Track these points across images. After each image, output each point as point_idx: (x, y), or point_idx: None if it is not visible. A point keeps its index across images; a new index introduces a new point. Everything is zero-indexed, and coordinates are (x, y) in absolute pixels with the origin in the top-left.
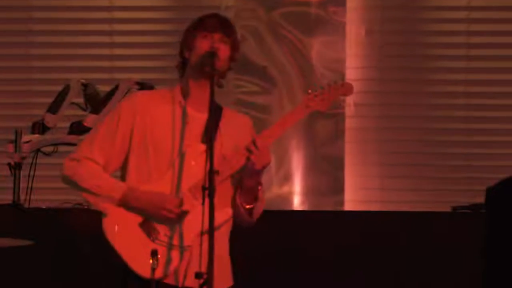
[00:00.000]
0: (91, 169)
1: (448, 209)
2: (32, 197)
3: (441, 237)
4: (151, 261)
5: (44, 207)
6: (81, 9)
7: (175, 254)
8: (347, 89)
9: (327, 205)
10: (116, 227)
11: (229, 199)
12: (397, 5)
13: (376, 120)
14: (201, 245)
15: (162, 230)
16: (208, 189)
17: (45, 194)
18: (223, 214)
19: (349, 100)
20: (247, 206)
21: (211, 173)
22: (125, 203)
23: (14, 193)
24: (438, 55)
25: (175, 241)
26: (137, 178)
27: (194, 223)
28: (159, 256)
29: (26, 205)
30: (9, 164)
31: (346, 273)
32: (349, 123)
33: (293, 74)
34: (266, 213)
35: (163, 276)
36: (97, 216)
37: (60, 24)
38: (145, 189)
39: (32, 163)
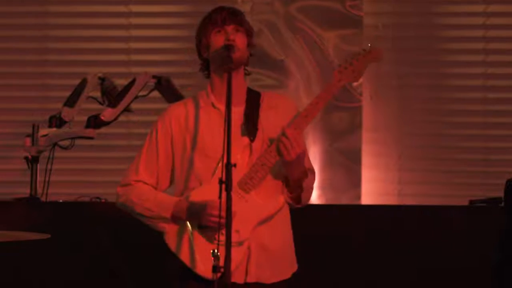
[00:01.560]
0: (141, 191)
1: (465, 203)
2: (49, 190)
3: (458, 230)
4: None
5: (61, 200)
6: (98, 2)
7: (234, 251)
8: (376, 55)
9: (344, 199)
10: (177, 238)
11: (278, 186)
12: None
13: (393, 113)
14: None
15: (213, 228)
16: (225, 183)
17: (62, 188)
18: (274, 204)
19: (366, 93)
20: (293, 195)
21: (228, 166)
22: (177, 218)
23: (31, 186)
24: (456, 49)
25: (235, 239)
26: (186, 185)
27: (247, 216)
28: (219, 255)
29: (43, 199)
30: (26, 157)
31: (363, 268)
32: (366, 116)
33: (310, 68)
34: None
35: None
36: (114, 209)
37: (77, 18)
38: (191, 200)
39: (49, 157)
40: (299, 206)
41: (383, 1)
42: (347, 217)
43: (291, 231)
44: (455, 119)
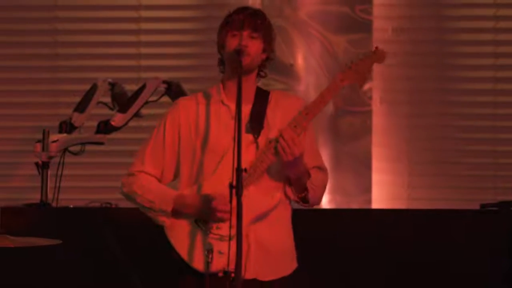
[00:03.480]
0: (144, 182)
1: (476, 207)
2: (60, 196)
3: (469, 234)
4: (206, 255)
5: (71, 206)
6: (108, 8)
7: (227, 245)
8: (379, 56)
9: (355, 203)
10: (176, 232)
11: (279, 181)
12: (424, 2)
13: (403, 117)
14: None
15: (214, 223)
16: (236, 188)
17: (73, 193)
18: (270, 200)
19: (376, 97)
20: (299, 195)
21: (239, 171)
22: (177, 212)
23: (41, 192)
24: (465, 52)
25: (226, 232)
26: (190, 178)
27: (245, 211)
28: (213, 249)
29: (53, 205)
30: (36, 163)
31: (373, 272)
32: (376, 120)
33: (320, 72)
34: (294, 212)
35: (220, 269)
36: (125, 214)
37: (87, 23)
38: (192, 194)
39: (59, 163)
40: (307, 205)
41: (392, 5)
42: (357, 222)
43: (291, 229)
44: (465, 123)
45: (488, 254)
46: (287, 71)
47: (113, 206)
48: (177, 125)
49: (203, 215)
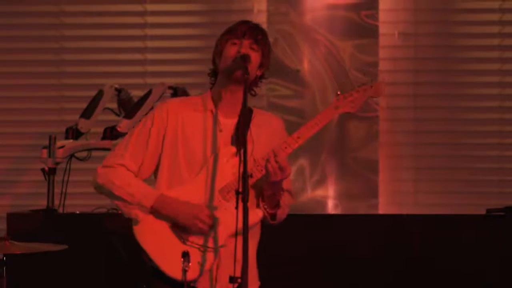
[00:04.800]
0: (124, 175)
1: (482, 212)
2: (66, 202)
3: (475, 239)
4: (182, 263)
5: (78, 212)
6: (113, 14)
7: (207, 256)
8: (377, 90)
9: (361, 209)
10: (148, 232)
11: (256, 201)
12: (430, 7)
13: (409, 123)
14: (235, 247)
15: (193, 231)
16: (242, 194)
17: (79, 199)
18: (254, 216)
19: (383, 103)
20: (270, 211)
21: (245, 177)
22: (156, 211)
23: (48, 198)
24: (471, 57)
25: (207, 243)
26: (168, 181)
27: (225, 224)
28: (190, 257)
29: (60, 211)
30: (43, 169)
31: (380, 277)
32: (383, 126)
33: (326, 78)
34: (301, 217)
35: (196, 278)
36: (131, 221)
37: (93, 29)
38: (176, 198)
39: (66, 169)
40: (274, 223)
41: (398, 10)
42: (364, 227)
43: (257, 247)
44: (472, 128)
45: (494, 259)
46: (294, 77)
47: (120, 212)
48: (164, 125)
49: (182, 221)
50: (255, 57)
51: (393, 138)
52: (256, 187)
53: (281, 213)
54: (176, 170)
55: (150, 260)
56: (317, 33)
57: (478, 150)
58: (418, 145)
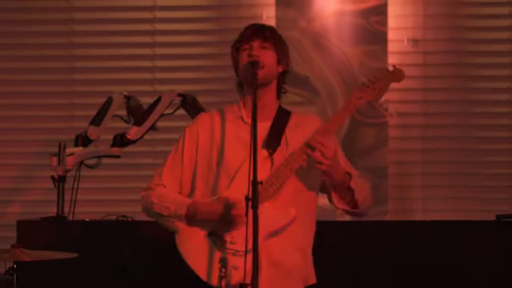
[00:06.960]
0: (161, 193)
1: (492, 218)
2: (76, 209)
3: (485, 246)
4: (219, 269)
5: (87, 219)
6: (123, 21)
7: (241, 260)
8: (398, 75)
9: (370, 215)
10: (186, 241)
11: (295, 198)
12: (439, 13)
13: (419, 129)
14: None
15: (228, 237)
16: (252, 200)
17: (89, 207)
18: (284, 217)
19: (392, 109)
20: (344, 207)
21: (255, 183)
22: (192, 218)
23: (58, 206)
24: (481, 63)
25: (241, 247)
26: (204, 191)
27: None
28: (227, 263)
29: (70, 218)
30: (52, 177)
31: (389, 284)
32: (392, 132)
33: (336, 84)
34: None
35: (235, 284)
36: (141, 228)
37: (102, 36)
38: (207, 200)
39: (75, 176)
40: (358, 211)
41: (407, 16)
42: (373, 233)
43: (306, 247)
44: (481, 134)
45: (505, 265)
46: (303, 83)
47: (130, 219)
48: (195, 140)
49: (217, 219)
50: (268, 56)
51: (402, 145)
52: (292, 184)
53: (360, 196)
54: (211, 180)
55: (189, 268)
56: (326, 40)
57: (487, 156)
58: (427, 152)
